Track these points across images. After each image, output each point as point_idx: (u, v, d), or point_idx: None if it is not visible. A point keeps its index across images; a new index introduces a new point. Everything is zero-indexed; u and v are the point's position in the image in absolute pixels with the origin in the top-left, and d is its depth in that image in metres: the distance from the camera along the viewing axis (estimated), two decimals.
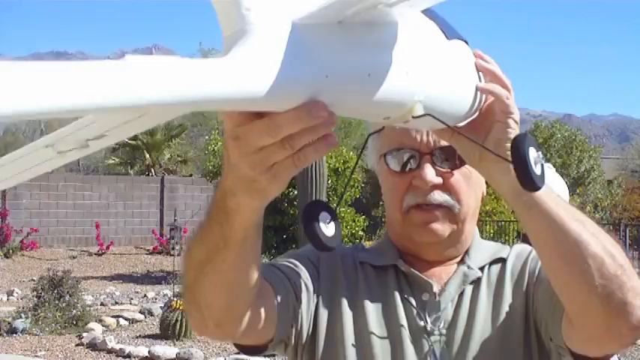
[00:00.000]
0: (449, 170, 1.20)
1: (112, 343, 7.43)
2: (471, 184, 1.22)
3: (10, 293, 10.89)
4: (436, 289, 1.23)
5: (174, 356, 7.09)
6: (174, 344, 7.53)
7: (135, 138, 19.82)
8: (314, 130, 0.71)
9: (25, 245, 14.56)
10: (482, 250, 1.30)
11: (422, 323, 1.20)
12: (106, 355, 7.32)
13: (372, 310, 1.22)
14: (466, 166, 1.19)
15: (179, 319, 7.70)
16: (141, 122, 0.69)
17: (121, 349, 7.31)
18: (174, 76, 0.57)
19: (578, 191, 19.82)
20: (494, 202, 14.31)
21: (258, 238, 0.92)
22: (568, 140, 21.53)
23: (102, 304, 10.14)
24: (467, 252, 1.28)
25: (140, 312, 9.29)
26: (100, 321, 8.53)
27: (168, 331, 7.78)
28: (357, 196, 12.79)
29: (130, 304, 10.19)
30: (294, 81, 0.67)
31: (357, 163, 1.27)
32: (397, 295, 1.23)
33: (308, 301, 1.20)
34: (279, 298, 1.11)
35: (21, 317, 8.25)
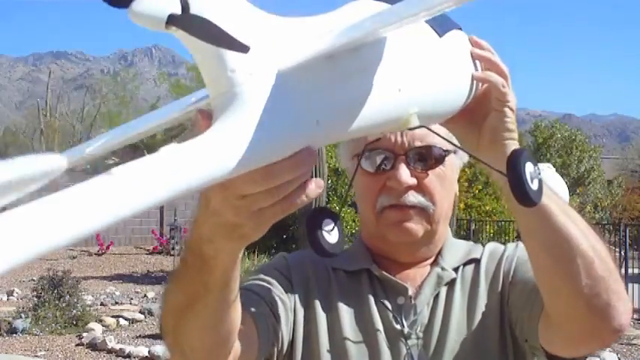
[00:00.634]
0: (424, 171, 1.19)
1: (112, 343, 7.43)
2: (445, 185, 1.21)
3: (10, 293, 10.89)
4: (411, 292, 1.23)
5: None
6: None
7: None
8: (304, 175, 0.69)
9: None
10: (455, 250, 1.29)
11: (398, 327, 1.19)
12: (106, 355, 7.31)
13: (347, 316, 1.21)
14: (440, 166, 1.19)
15: None
16: None
17: (121, 349, 7.31)
18: (162, 178, 0.56)
19: (578, 191, 19.82)
20: (494, 202, 14.32)
21: (236, 280, 0.88)
22: (568, 140, 21.53)
23: (102, 304, 10.13)
24: (440, 252, 1.28)
25: (140, 312, 9.29)
26: (100, 321, 8.53)
27: None
28: None
29: (130, 304, 10.19)
30: (287, 139, 0.66)
31: (357, 169, 1.26)
32: (372, 299, 1.22)
33: (286, 316, 1.18)
34: (259, 323, 1.09)
35: (21, 317, 8.25)
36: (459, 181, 1.30)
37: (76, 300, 8.51)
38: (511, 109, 1.01)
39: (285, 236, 11.66)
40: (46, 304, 8.27)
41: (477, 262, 1.27)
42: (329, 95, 0.70)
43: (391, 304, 1.22)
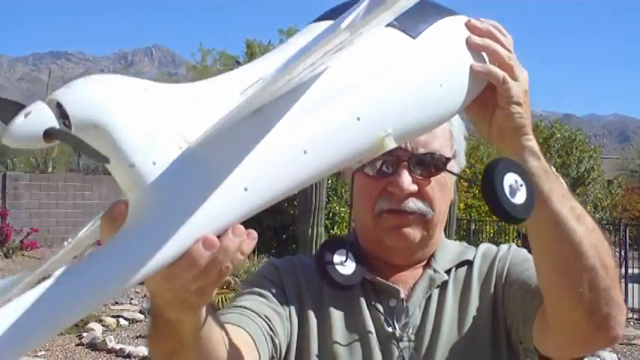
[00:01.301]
0: (425, 178, 1.18)
1: (112, 343, 7.42)
2: (444, 192, 1.21)
3: None
4: (403, 294, 1.22)
5: None
6: None
7: None
8: (234, 248, 0.67)
9: (25, 245, 14.53)
10: (448, 252, 1.28)
11: (390, 329, 1.19)
12: (106, 355, 7.31)
13: (338, 320, 1.21)
14: (442, 174, 1.19)
15: None
16: None
17: (121, 349, 7.30)
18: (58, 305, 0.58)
19: (578, 191, 19.81)
20: None
21: (211, 327, 0.87)
22: (568, 140, 21.51)
23: None
24: (432, 255, 1.27)
25: (140, 312, 9.27)
26: (100, 321, 8.52)
27: None
28: None
29: (130, 303, 10.17)
30: (193, 231, 0.62)
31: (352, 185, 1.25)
32: (364, 302, 1.22)
33: (283, 327, 1.18)
34: (257, 341, 1.09)
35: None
36: (459, 180, 1.30)
37: None
38: (517, 104, 0.95)
39: (285, 236, 11.66)
40: None
41: (469, 264, 1.27)
42: (262, 152, 0.67)
43: (383, 307, 1.21)
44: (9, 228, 14.44)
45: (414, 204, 1.17)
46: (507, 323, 1.18)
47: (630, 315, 8.82)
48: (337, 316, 1.21)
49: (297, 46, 0.70)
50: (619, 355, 7.15)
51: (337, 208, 11.69)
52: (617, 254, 9.97)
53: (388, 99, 0.78)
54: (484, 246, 1.32)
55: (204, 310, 0.82)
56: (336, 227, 11.56)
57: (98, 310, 9.30)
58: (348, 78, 0.75)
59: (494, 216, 0.86)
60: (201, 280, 0.68)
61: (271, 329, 1.14)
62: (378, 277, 1.23)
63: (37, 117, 0.58)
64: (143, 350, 7.22)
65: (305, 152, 0.69)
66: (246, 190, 0.65)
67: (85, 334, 7.87)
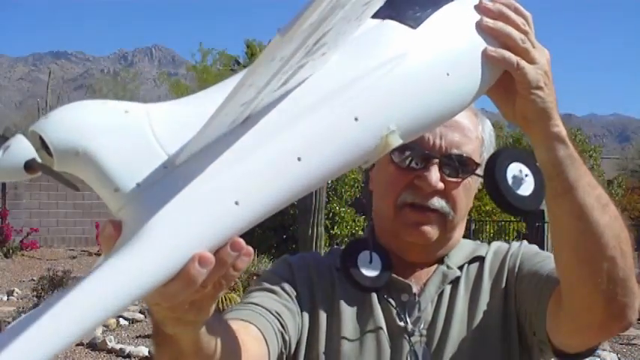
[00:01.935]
0: (454, 180, 1.18)
1: (112, 343, 7.42)
2: (468, 196, 1.22)
3: (10, 293, 10.87)
4: (415, 289, 1.23)
5: None
6: None
7: None
8: (227, 264, 0.66)
9: (25, 245, 14.54)
10: (462, 249, 1.29)
11: (402, 324, 1.19)
12: (106, 355, 7.31)
13: (348, 315, 1.21)
14: (468, 179, 1.19)
15: None
16: None
17: (121, 349, 7.31)
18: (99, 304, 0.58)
19: None
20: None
21: (213, 338, 0.86)
22: None
23: None
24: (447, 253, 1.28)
25: (140, 312, 9.27)
26: None
27: None
28: (357, 196, 12.78)
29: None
30: (203, 240, 0.62)
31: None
32: (375, 297, 1.22)
33: (294, 322, 1.18)
34: (267, 337, 1.09)
35: (21, 317, 8.25)
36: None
37: None
38: (537, 88, 0.89)
39: (285, 236, 11.66)
40: None
41: (481, 260, 1.27)
42: (251, 163, 0.65)
43: (395, 301, 1.22)
44: (9, 228, 14.46)
45: (437, 202, 1.18)
46: (520, 317, 1.18)
47: None
48: (349, 311, 1.22)
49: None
50: (619, 355, 7.15)
51: (337, 208, 11.69)
52: None
53: (388, 95, 0.75)
54: (496, 244, 1.32)
55: (203, 324, 0.81)
56: (336, 227, 11.56)
57: None
58: (343, 78, 0.72)
59: (502, 211, 0.83)
60: (196, 296, 0.67)
61: (282, 325, 1.15)
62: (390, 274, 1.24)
63: (16, 150, 0.58)
64: (143, 350, 7.23)
65: (299, 159, 0.67)
66: (237, 204, 0.63)
67: None
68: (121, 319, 8.78)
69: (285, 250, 10.93)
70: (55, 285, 8.41)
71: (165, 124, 0.65)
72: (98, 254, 15.78)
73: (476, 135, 1.21)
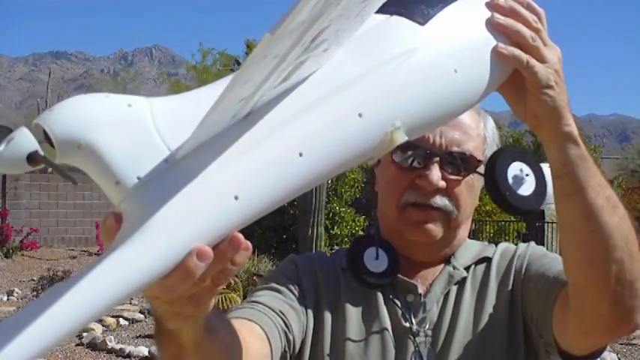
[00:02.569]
0: (455, 176, 1.18)
1: (112, 343, 7.43)
2: (472, 194, 1.21)
3: (10, 293, 10.87)
4: (421, 290, 1.22)
5: None
6: None
7: None
8: (225, 258, 0.66)
9: (25, 245, 14.53)
10: (468, 250, 1.28)
11: (407, 324, 1.19)
12: (106, 355, 7.31)
13: (353, 316, 1.21)
14: (471, 175, 1.18)
15: None
16: None
17: (121, 349, 7.31)
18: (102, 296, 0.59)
19: None
20: None
21: (214, 334, 0.87)
22: None
23: None
24: (453, 253, 1.27)
25: (140, 312, 9.28)
26: (100, 321, 8.51)
27: None
28: (357, 196, 12.78)
29: (130, 303, 10.16)
30: (201, 234, 0.62)
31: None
32: (381, 297, 1.22)
33: (299, 321, 1.18)
34: (270, 336, 1.09)
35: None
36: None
37: None
38: (547, 87, 0.88)
39: (285, 236, 11.66)
40: None
41: (488, 260, 1.27)
42: (252, 158, 0.65)
43: (400, 302, 1.21)
44: (9, 228, 14.45)
45: (440, 200, 1.17)
46: (526, 319, 1.18)
47: None
48: (354, 311, 1.22)
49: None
50: (619, 355, 7.14)
51: (337, 208, 11.69)
52: None
53: (394, 91, 0.74)
54: (503, 245, 1.32)
55: (204, 319, 0.81)
56: (336, 227, 11.56)
57: None
58: (348, 74, 0.72)
59: (503, 211, 0.82)
60: (194, 290, 0.68)
61: (286, 324, 1.15)
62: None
63: (19, 142, 0.59)
64: (143, 350, 7.23)
65: (301, 155, 0.67)
66: (237, 198, 0.64)
67: (85, 334, 7.88)
68: (121, 319, 8.78)
69: (285, 250, 10.93)
70: None
71: (168, 118, 0.65)
72: (98, 254, 15.70)
73: (477, 133, 1.21)
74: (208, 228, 0.63)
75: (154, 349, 7.18)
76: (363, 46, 0.74)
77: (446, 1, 0.81)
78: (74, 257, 15.11)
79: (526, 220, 13.69)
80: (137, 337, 8.03)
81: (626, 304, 0.97)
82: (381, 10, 0.76)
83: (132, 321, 8.87)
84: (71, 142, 0.61)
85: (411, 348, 1.17)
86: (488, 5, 0.85)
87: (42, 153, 0.60)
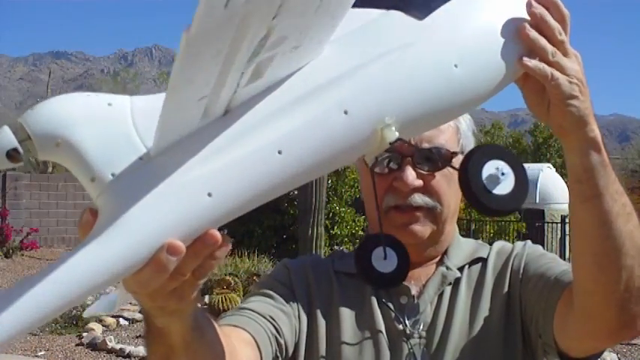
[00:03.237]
0: (430, 172, 1.17)
1: (112, 343, 7.42)
2: (452, 185, 1.20)
3: None
4: (414, 291, 1.22)
5: None
6: None
7: None
8: (202, 252, 0.68)
9: (25, 245, 14.52)
10: (461, 249, 1.28)
11: (400, 327, 1.19)
12: (106, 355, 7.31)
13: (347, 319, 1.21)
14: (447, 167, 1.18)
15: None
16: None
17: (121, 349, 7.31)
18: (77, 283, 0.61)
19: None
20: None
21: (203, 332, 0.88)
22: None
23: None
24: (445, 252, 1.27)
25: (140, 312, 9.26)
26: (100, 321, 8.51)
27: None
28: (357, 196, 12.78)
29: (130, 303, 10.15)
30: (174, 230, 0.64)
31: (373, 176, 1.23)
32: (374, 300, 1.22)
33: (290, 325, 1.19)
34: (259, 341, 1.10)
35: None
36: None
37: None
38: (572, 98, 0.87)
39: (285, 236, 11.65)
40: None
41: (483, 261, 1.26)
42: (226, 156, 0.66)
43: (394, 304, 1.21)
44: (9, 228, 14.44)
45: (420, 199, 1.17)
46: (525, 320, 1.17)
47: None
48: (347, 314, 1.21)
49: None
50: (619, 355, 7.14)
51: (337, 208, 11.68)
52: None
53: (385, 88, 0.72)
54: (499, 244, 1.31)
55: (191, 316, 0.82)
56: (336, 227, 11.55)
57: None
58: (336, 69, 0.71)
59: (478, 212, 0.81)
60: (174, 284, 0.69)
61: (276, 329, 1.15)
62: None
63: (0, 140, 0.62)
64: (143, 350, 7.22)
65: (280, 152, 0.67)
66: (210, 195, 0.65)
67: (85, 334, 7.88)
68: (120, 319, 8.78)
69: (285, 250, 10.92)
70: None
71: (148, 116, 0.66)
72: None
73: (448, 125, 1.19)
74: (180, 224, 0.64)
75: None
76: (356, 41, 0.73)
77: None
78: None
79: (526, 220, 13.69)
80: (137, 337, 8.03)
81: (631, 311, 0.97)
82: (380, 5, 0.75)
83: (132, 321, 8.87)
84: (49, 140, 0.64)
85: (405, 350, 1.17)
86: (528, 5, 0.84)
87: (21, 150, 0.63)
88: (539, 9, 0.85)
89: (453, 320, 1.19)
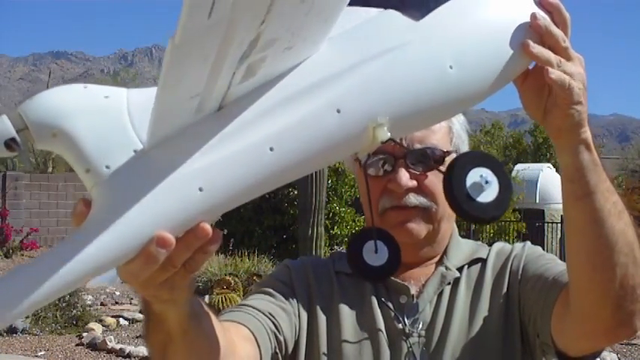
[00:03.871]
0: (423, 173, 1.19)
1: (112, 343, 7.42)
2: None
3: None
4: (414, 291, 1.23)
5: None
6: None
7: None
8: (192, 245, 0.70)
9: (25, 245, 14.52)
10: (461, 249, 1.29)
11: (400, 326, 1.20)
12: (106, 355, 7.31)
13: (348, 318, 1.22)
14: (440, 167, 1.18)
15: None
16: None
17: (121, 349, 7.30)
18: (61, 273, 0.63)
19: None
20: None
21: (200, 321, 0.90)
22: None
23: (102, 303, 10.12)
24: (445, 252, 1.28)
25: (140, 312, 9.27)
26: (100, 321, 8.52)
27: None
28: (357, 196, 12.78)
29: (130, 304, 10.17)
30: (165, 223, 0.66)
31: (366, 175, 1.23)
32: (374, 300, 1.23)
33: (290, 322, 1.20)
34: (259, 338, 1.11)
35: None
36: None
37: (76, 300, 8.50)
38: (578, 104, 0.90)
39: (285, 236, 11.66)
40: None
41: (483, 261, 1.27)
42: (218, 152, 0.67)
43: (393, 304, 1.22)
44: (9, 228, 14.44)
45: (415, 199, 1.18)
46: (524, 319, 1.18)
47: None
48: (347, 314, 1.22)
49: None
50: (619, 355, 7.14)
51: (337, 208, 11.69)
52: None
53: (377, 87, 0.73)
54: (498, 245, 1.32)
55: (187, 304, 0.85)
56: (336, 227, 11.56)
57: (98, 310, 9.31)
58: (330, 68, 0.72)
59: (462, 219, 0.82)
60: (165, 275, 0.72)
61: (275, 326, 1.16)
62: None
63: None
64: (143, 350, 7.22)
65: (271, 149, 0.68)
66: (201, 190, 0.66)
67: (85, 334, 7.87)
68: (121, 319, 8.78)
69: (285, 250, 10.93)
70: None
71: (144, 110, 0.67)
72: None
73: (440, 124, 1.20)
74: (171, 217, 0.66)
75: None
76: (352, 40, 0.73)
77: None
78: None
79: (526, 220, 13.69)
80: (137, 337, 8.02)
81: (627, 309, 0.98)
82: (379, 4, 0.76)
83: (132, 321, 8.87)
84: (46, 130, 0.65)
85: (405, 349, 1.18)
86: (532, 17, 0.84)
87: (19, 140, 0.64)
88: (543, 20, 0.86)
89: (452, 320, 1.20)
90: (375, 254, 1.09)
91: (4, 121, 0.64)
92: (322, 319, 1.22)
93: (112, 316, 8.84)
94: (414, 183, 1.18)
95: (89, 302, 9.41)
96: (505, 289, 1.22)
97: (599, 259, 0.96)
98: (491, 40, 0.81)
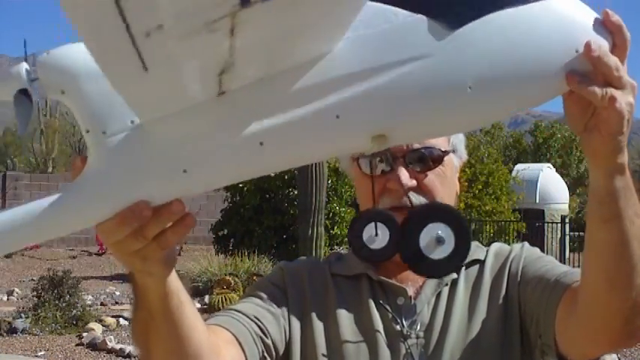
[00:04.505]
0: (422, 172, 1.19)
1: (112, 343, 7.42)
2: (445, 184, 1.21)
3: (10, 293, 10.88)
4: (411, 292, 1.23)
5: None
6: None
7: None
8: (164, 220, 0.76)
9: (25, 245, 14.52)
10: None
11: (398, 327, 1.19)
12: (106, 355, 7.31)
13: (346, 320, 1.21)
14: (440, 166, 1.19)
15: None
16: None
17: (121, 349, 7.30)
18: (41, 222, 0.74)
19: (578, 191, 19.81)
20: (494, 202, 14.32)
21: (182, 305, 0.92)
22: (568, 140, 21.52)
23: (102, 303, 10.13)
24: None
25: None
26: (100, 321, 8.52)
27: None
28: None
29: (130, 303, 10.07)
30: (143, 194, 0.71)
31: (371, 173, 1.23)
32: (371, 301, 1.22)
33: (278, 326, 1.19)
34: (242, 340, 1.11)
35: (21, 317, 8.24)
36: (458, 180, 1.30)
37: (76, 300, 8.50)
38: (621, 133, 0.87)
39: (285, 236, 11.66)
40: (46, 304, 8.26)
41: (481, 263, 1.27)
42: (209, 137, 0.70)
43: (391, 306, 1.22)
44: None
45: (415, 198, 1.18)
46: (525, 321, 1.18)
47: None
48: (345, 316, 1.22)
49: None
50: (619, 355, 7.15)
51: (337, 208, 11.69)
52: None
53: (384, 100, 0.70)
54: (496, 245, 1.32)
55: (165, 281, 0.88)
56: (336, 227, 11.56)
57: (98, 310, 9.32)
58: (341, 70, 0.70)
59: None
60: (137, 244, 0.77)
61: (261, 329, 1.16)
62: (382, 277, 1.24)
63: (12, 76, 0.70)
64: None
65: (261, 144, 0.70)
66: (185, 172, 0.70)
67: (85, 334, 7.88)
68: (121, 319, 8.78)
69: (285, 250, 10.92)
70: (55, 285, 8.40)
71: None
72: (98, 254, 15.80)
73: None
74: (152, 189, 0.71)
75: None
76: (370, 44, 0.70)
77: (492, 6, 0.71)
78: (74, 257, 15.12)
79: (526, 220, 13.69)
80: None
81: (636, 323, 0.99)
82: (406, 7, 0.71)
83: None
84: (56, 86, 0.71)
85: (403, 351, 1.18)
86: (586, 46, 0.79)
87: (31, 91, 0.70)
88: (599, 50, 0.81)
89: (450, 321, 1.20)
90: (375, 237, 1.08)
91: (21, 71, 0.70)
92: (318, 322, 1.22)
93: (112, 316, 8.84)
94: (413, 182, 1.18)
95: (89, 302, 9.41)
96: (504, 291, 1.22)
97: (617, 280, 0.95)
98: (527, 65, 0.73)
